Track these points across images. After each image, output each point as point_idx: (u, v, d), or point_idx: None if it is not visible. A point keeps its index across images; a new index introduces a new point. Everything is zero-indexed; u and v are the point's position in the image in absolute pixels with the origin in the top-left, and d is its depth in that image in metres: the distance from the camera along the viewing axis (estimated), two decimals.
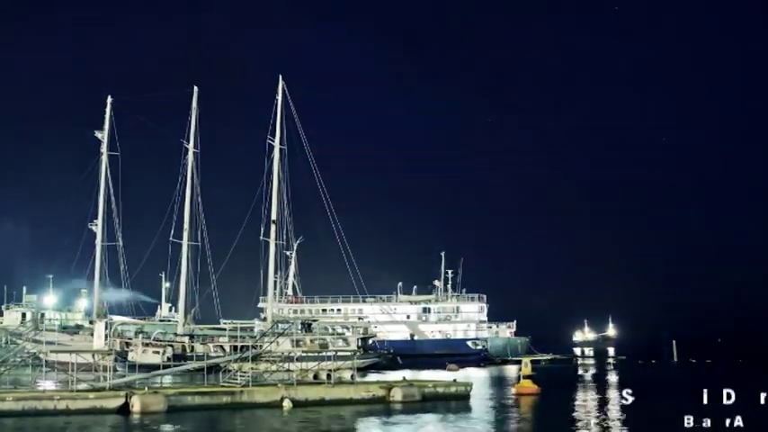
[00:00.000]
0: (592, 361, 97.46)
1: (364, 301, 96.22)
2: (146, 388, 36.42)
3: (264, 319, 70.81)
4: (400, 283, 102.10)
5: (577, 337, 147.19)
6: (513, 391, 45.78)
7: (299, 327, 65.70)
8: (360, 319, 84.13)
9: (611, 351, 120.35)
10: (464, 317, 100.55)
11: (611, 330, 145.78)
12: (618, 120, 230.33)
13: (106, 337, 43.42)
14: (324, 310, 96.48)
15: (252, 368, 40.11)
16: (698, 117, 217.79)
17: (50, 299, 77.53)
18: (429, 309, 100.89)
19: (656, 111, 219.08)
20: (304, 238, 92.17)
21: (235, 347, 58.36)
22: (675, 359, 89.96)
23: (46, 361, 41.69)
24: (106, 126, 72.36)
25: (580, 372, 73.51)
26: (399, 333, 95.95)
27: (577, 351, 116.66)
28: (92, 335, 62.23)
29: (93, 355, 38.95)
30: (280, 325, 63.54)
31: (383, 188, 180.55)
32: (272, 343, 49.57)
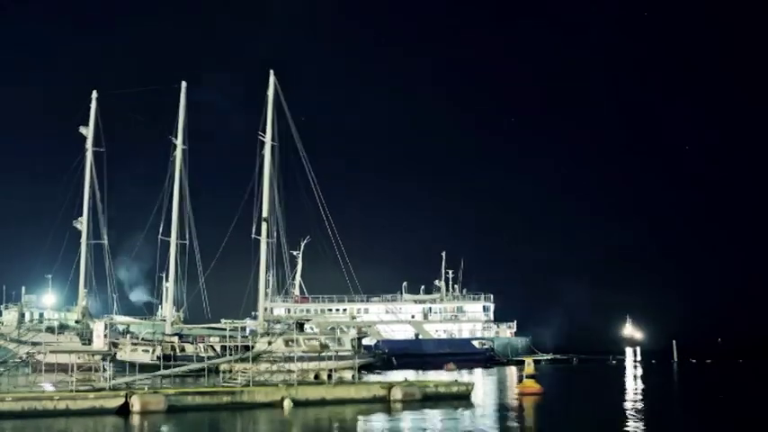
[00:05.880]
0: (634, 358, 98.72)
1: (369, 301, 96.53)
2: (146, 388, 36.41)
3: (256, 318, 70.36)
4: (405, 283, 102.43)
5: (625, 334, 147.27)
6: (516, 390, 45.63)
7: (292, 326, 65.07)
8: (353, 318, 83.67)
9: (637, 351, 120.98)
10: (469, 316, 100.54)
11: (637, 332, 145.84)
12: (629, 119, 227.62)
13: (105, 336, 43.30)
14: (329, 310, 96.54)
15: (245, 369, 39.93)
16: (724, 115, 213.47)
17: (49, 298, 77.26)
18: (433, 308, 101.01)
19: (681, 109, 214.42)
20: (311, 237, 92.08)
21: (225, 347, 58.01)
22: (675, 359, 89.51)
23: (26, 361, 41.40)
24: (91, 122, 71.07)
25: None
26: (404, 332, 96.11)
27: (629, 350, 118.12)
28: (78, 335, 62.59)
29: (88, 356, 38.85)
30: (274, 325, 63.15)
31: (382, 187, 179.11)
32: (269, 343, 49.34)
